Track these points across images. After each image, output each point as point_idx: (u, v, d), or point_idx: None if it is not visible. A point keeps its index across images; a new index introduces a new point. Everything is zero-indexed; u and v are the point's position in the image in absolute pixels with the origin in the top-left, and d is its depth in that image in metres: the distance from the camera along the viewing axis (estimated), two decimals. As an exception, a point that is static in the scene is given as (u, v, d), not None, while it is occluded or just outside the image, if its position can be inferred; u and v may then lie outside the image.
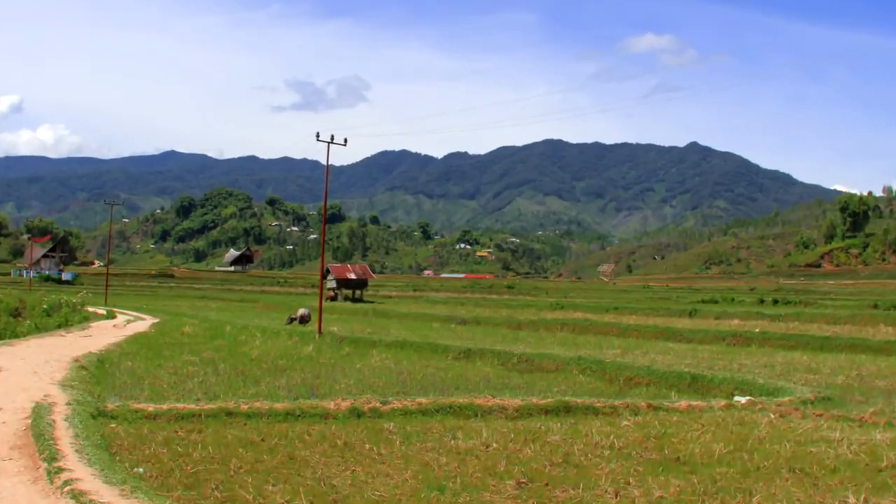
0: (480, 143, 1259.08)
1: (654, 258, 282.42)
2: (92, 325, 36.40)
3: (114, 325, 36.57)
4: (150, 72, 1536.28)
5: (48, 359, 20.11)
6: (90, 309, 47.72)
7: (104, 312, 46.78)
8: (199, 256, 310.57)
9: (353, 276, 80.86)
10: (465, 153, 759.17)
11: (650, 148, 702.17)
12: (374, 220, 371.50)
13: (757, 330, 33.06)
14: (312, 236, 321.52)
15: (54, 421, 11.12)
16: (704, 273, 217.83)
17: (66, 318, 38.53)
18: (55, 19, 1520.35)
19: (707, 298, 68.39)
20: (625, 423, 12.20)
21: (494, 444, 10.53)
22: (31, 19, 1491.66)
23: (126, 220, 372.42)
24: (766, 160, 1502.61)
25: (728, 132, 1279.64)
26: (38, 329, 33.40)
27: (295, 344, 27.74)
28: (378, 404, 13.05)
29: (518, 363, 22.39)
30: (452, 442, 10.70)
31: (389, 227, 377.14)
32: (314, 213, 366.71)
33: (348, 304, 70.74)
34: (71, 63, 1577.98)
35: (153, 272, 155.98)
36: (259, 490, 8.34)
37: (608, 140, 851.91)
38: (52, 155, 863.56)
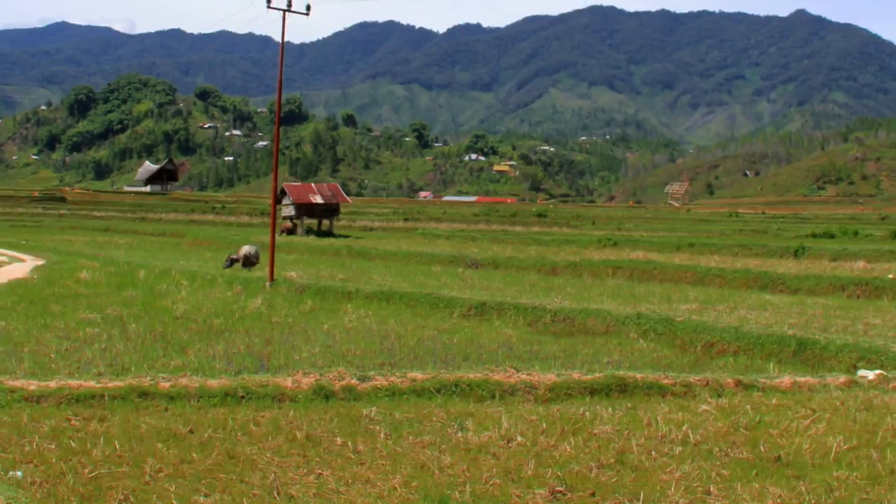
0: (499, 12, 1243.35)
1: (745, 174, 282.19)
2: (-49, 268, 36.37)
3: (-18, 270, 36.56)
4: None
5: None
6: (-52, 246, 47.70)
7: (-32, 251, 46.78)
8: (102, 172, 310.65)
9: (318, 199, 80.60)
10: (478, 26, 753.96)
11: (739, 18, 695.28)
12: (350, 121, 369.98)
13: (891, 276, 32.93)
14: (262, 143, 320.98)
15: None
16: (816, 195, 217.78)
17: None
18: None
19: (820, 231, 68.30)
20: (703, 407, 12.18)
21: (519, 438, 10.52)
22: None
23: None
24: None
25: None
26: None
27: (237, 295, 27.77)
28: (354, 381, 13.03)
29: (552, 323, 22.37)
30: (459, 434, 10.69)
31: (370, 130, 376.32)
32: (264, 110, 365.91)
33: (312, 239, 70.76)
34: None
35: (36, 194, 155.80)
36: (186, 502, 8.31)
37: (679, 7, 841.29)
38: None
